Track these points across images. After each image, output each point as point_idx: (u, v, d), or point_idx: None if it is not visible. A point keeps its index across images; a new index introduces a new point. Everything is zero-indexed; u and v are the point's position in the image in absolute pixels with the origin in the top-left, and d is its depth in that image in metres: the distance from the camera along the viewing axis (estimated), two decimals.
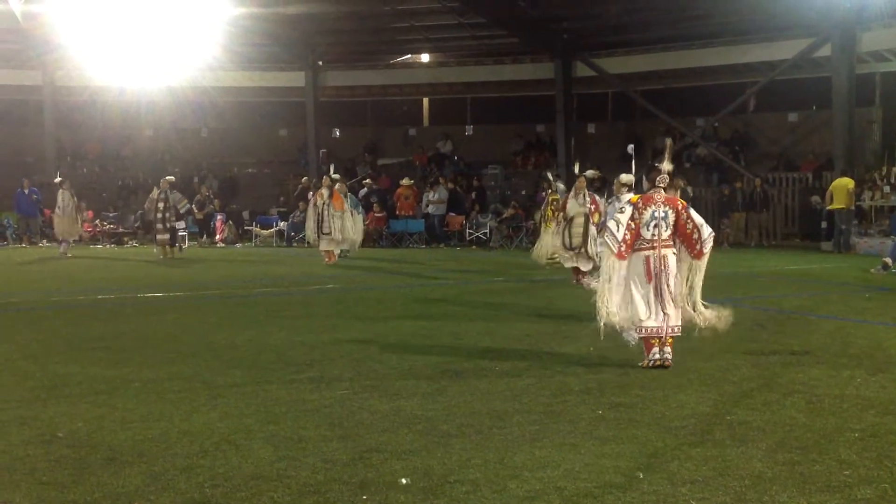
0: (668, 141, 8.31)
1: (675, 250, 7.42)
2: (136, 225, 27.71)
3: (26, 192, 25.98)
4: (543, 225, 15.27)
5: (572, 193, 13.67)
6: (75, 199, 22.18)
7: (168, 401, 6.22)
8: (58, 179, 22.44)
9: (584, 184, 13.51)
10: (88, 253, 21.55)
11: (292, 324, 10.02)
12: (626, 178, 11.28)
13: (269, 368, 7.38)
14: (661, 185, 7.46)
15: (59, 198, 22.15)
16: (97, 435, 5.37)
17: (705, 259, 7.49)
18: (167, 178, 21.56)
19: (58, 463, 4.83)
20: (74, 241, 22.13)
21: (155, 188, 21.43)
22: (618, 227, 7.34)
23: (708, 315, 7.51)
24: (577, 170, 14.04)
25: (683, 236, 7.41)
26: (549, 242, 14.39)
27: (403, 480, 4.55)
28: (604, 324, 7.32)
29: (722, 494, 4.35)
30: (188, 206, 22.57)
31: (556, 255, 14.66)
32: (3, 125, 31.85)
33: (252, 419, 5.72)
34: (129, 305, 12.10)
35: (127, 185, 31.07)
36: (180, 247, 21.15)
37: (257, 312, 11.19)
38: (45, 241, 26.35)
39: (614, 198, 11.83)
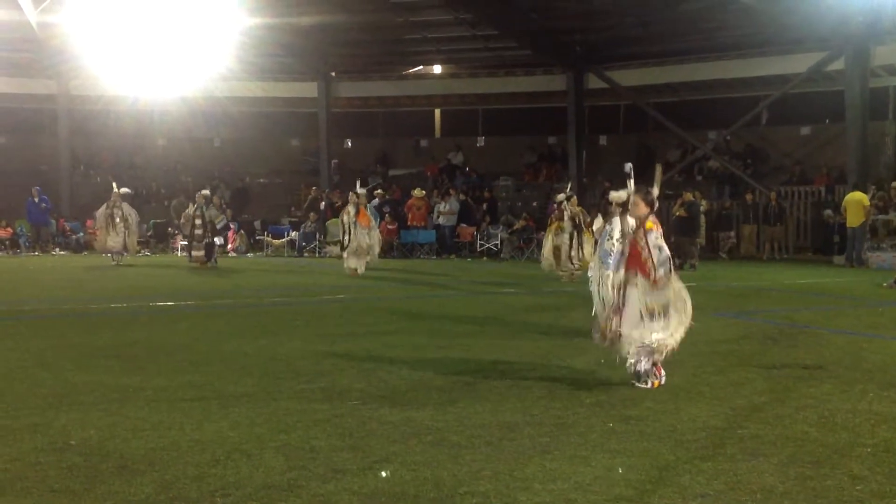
0: (658, 167, 8.23)
1: None
2: (148, 234, 27.82)
3: (36, 200, 26.13)
4: (586, 235, 15.29)
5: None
6: (113, 209, 21.20)
7: (179, 410, 6.23)
8: (120, 190, 21.65)
9: None
10: (100, 262, 21.59)
11: (303, 334, 10.03)
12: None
13: (281, 378, 7.39)
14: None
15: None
16: (109, 443, 5.39)
17: None
18: (202, 192, 21.39)
19: (69, 471, 4.84)
20: (116, 252, 21.26)
21: (190, 204, 21.38)
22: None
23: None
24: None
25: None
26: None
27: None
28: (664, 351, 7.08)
29: None
30: (224, 220, 22.38)
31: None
32: (17, 134, 32.04)
33: (263, 429, 5.73)
34: (141, 314, 12.14)
35: (140, 195, 31.19)
36: (216, 261, 21.04)
37: (269, 322, 11.20)
38: (57, 248, 26.52)
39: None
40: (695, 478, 4.77)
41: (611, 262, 7.52)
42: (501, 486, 4.62)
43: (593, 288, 7.63)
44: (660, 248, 7.09)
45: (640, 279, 7.12)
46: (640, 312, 7.09)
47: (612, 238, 7.70)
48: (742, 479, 4.75)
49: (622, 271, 7.24)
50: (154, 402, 6.45)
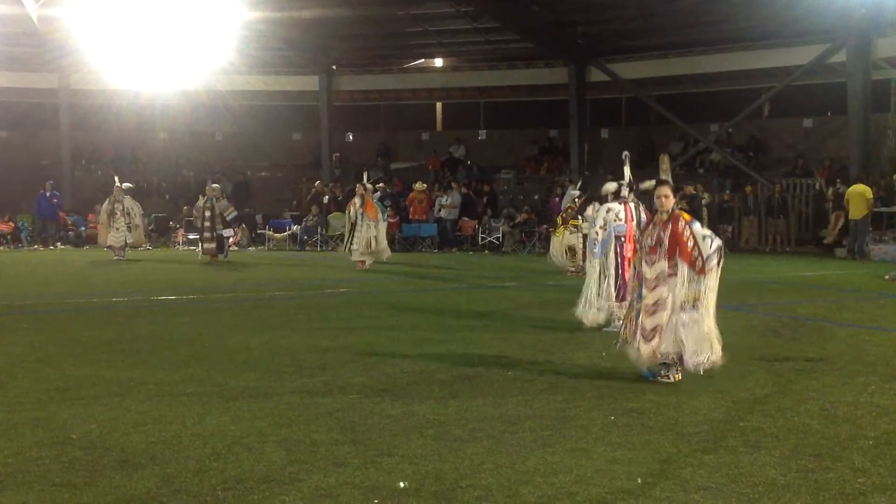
0: (664, 157, 8.17)
1: None
2: (149, 228, 27.79)
3: (48, 194, 26.14)
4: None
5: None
6: (114, 205, 21.07)
7: (181, 403, 6.24)
8: (122, 184, 21.42)
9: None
10: (102, 256, 21.58)
11: (305, 327, 10.04)
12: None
13: (282, 372, 7.39)
14: None
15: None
16: (110, 437, 5.39)
17: None
18: (213, 185, 21.29)
19: (71, 465, 4.85)
20: (117, 248, 20.95)
21: (201, 196, 21.33)
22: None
23: None
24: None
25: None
26: None
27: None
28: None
29: (735, 501, 4.34)
30: (235, 213, 22.37)
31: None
32: (19, 128, 32.05)
33: (264, 422, 5.74)
34: (143, 308, 12.15)
35: (141, 189, 31.19)
36: (226, 254, 20.97)
37: (271, 316, 11.22)
38: (59, 243, 26.52)
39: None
40: (696, 470, 4.77)
41: (596, 251, 7.48)
42: (503, 479, 4.62)
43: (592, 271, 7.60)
44: (711, 238, 6.89)
45: (682, 269, 6.89)
46: (681, 303, 6.88)
47: (595, 226, 7.67)
48: (744, 471, 4.75)
49: (661, 263, 6.99)
50: (155, 397, 6.46)
